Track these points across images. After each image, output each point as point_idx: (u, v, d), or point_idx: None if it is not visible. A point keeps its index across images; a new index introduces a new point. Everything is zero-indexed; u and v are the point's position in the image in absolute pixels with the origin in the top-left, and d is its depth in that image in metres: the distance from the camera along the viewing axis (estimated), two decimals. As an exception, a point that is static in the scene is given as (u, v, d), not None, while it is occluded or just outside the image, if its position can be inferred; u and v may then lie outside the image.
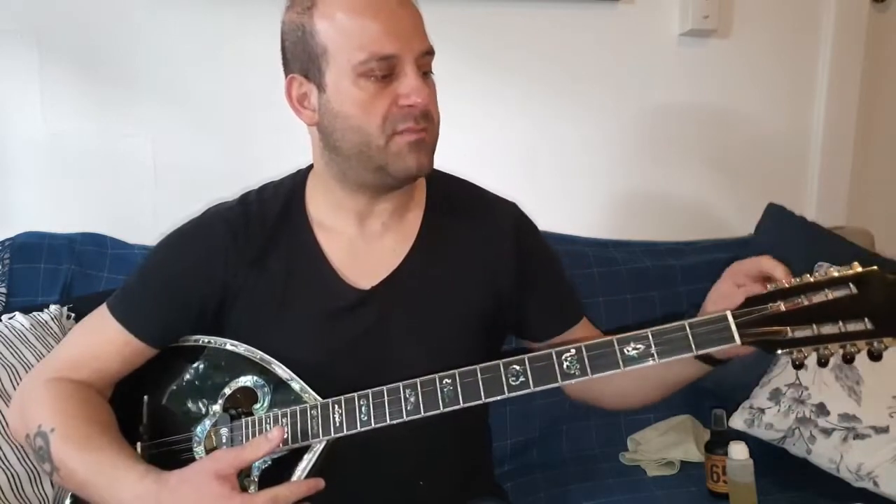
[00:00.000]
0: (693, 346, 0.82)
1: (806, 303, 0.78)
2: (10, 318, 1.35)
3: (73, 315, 1.42)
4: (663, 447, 1.49)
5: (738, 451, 1.24)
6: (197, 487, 0.86)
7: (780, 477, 1.37)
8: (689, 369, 0.96)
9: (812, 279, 0.79)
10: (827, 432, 1.34)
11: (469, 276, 1.05)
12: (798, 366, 0.80)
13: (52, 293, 1.49)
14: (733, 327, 0.81)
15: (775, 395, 1.42)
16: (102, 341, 1.01)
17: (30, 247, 1.52)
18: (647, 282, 1.63)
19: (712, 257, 1.68)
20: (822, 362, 0.79)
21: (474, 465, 1.14)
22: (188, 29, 1.65)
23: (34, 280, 1.49)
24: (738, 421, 1.44)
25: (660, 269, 1.65)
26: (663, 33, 1.82)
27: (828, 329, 0.77)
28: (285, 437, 0.92)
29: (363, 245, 1.03)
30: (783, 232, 1.65)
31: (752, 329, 0.81)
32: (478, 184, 1.13)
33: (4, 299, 1.47)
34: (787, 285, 0.80)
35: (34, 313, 1.38)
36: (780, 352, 0.80)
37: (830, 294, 0.77)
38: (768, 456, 1.37)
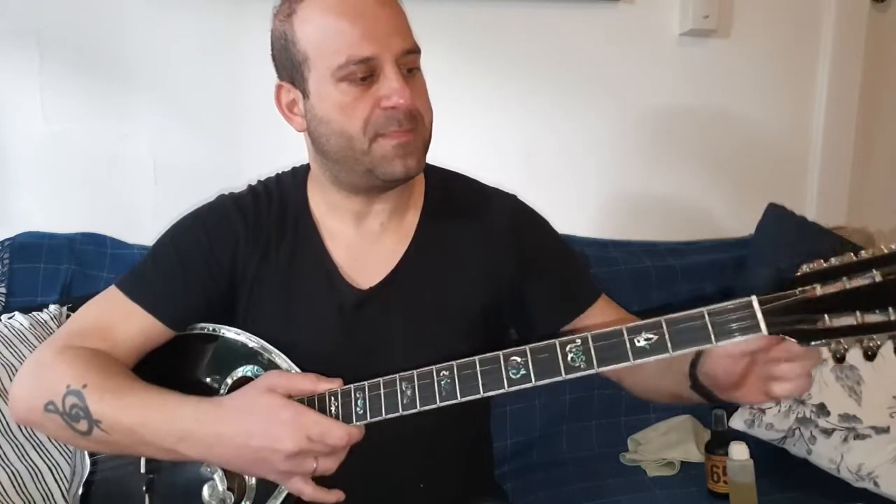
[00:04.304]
0: (712, 337, 0.73)
1: (848, 286, 0.67)
2: (9, 318, 1.36)
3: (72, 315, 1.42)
4: (663, 447, 1.49)
5: (739, 452, 1.24)
6: (252, 399, 0.89)
7: (780, 477, 1.37)
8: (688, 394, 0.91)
9: (856, 257, 0.67)
10: (827, 432, 1.34)
11: (467, 273, 1.04)
12: (839, 359, 0.68)
13: (52, 293, 1.49)
14: (759, 314, 0.72)
15: (775, 396, 1.41)
16: (113, 319, 0.98)
17: (30, 247, 1.52)
18: (647, 282, 1.63)
19: (712, 257, 1.69)
20: (869, 355, 0.67)
21: (474, 466, 1.14)
22: (187, 29, 1.66)
23: (34, 280, 1.50)
24: (738, 421, 1.44)
25: (660, 269, 1.65)
26: (663, 33, 1.82)
27: (875, 317, 0.65)
28: None
29: (363, 245, 1.02)
30: (783, 232, 1.64)
31: (781, 317, 0.70)
32: (476, 178, 1.12)
33: (4, 299, 1.47)
34: (823, 264, 0.68)
35: (34, 313, 1.38)
36: (814, 343, 0.70)
37: (879, 276, 0.66)
38: (768, 456, 1.37)
